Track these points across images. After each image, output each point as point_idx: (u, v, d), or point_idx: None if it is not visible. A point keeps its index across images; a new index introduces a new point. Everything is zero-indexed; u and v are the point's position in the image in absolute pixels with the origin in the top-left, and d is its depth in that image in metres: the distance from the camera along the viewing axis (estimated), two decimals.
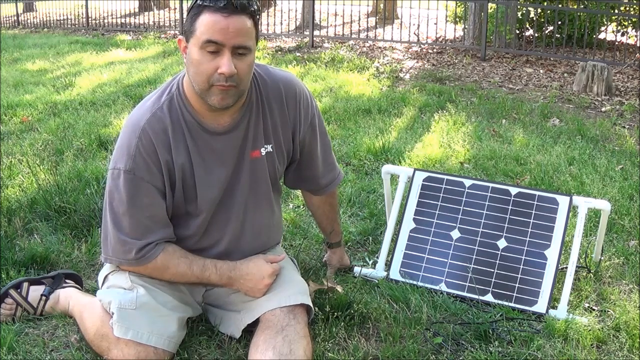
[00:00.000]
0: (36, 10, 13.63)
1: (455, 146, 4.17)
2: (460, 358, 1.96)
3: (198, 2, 1.71)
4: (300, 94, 2.00)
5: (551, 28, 7.91)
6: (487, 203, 2.45)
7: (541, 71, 7.02)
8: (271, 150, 1.97)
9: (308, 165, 2.14)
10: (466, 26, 8.25)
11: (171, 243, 1.90)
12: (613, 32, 8.12)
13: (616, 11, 7.72)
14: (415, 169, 2.58)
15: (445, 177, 2.54)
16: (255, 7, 1.75)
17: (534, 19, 8.07)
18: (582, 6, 7.93)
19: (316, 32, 8.86)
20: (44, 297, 2.11)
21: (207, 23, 1.68)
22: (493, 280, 2.31)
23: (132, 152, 1.79)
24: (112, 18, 11.59)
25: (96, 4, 11.56)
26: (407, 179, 2.58)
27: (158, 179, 1.82)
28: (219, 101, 1.75)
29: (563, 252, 2.38)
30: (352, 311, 2.11)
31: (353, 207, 3.13)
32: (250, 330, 1.88)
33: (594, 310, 2.25)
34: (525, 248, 2.34)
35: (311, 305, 1.93)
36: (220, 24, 1.68)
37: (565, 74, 6.86)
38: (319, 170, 2.17)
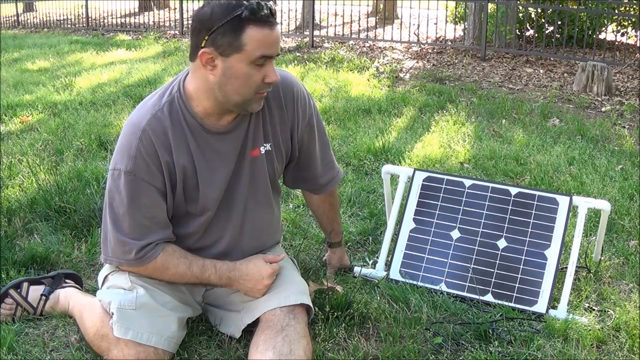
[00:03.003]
0: (36, 10, 13.63)
1: (455, 146, 4.17)
2: (460, 358, 1.96)
3: (238, 15, 1.66)
4: (298, 92, 2.00)
5: (551, 28, 7.90)
6: (487, 203, 2.45)
7: (541, 71, 7.02)
8: (270, 149, 1.97)
9: (307, 164, 2.14)
10: (466, 26, 8.25)
11: (171, 243, 1.90)
12: (613, 32, 8.12)
13: (616, 11, 7.72)
14: (415, 169, 2.58)
15: (445, 177, 2.54)
16: None
17: (534, 19, 8.07)
18: (582, 6, 7.93)
19: (316, 32, 8.86)
20: (43, 297, 2.11)
21: (259, 38, 1.69)
22: (493, 280, 2.31)
23: (132, 153, 1.79)
24: (112, 18, 11.58)
25: (96, 4, 11.55)
26: (407, 179, 2.58)
27: (158, 179, 1.82)
28: (259, 107, 1.83)
29: (563, 252, 2.38)
30: (352, 311, 2.11)
31: (353, 207, 3.13)
32: (250, 330, 1.88)
33: (594, 310, 2.25)
34: (525, 248, 2.34)
35: (311, 305, 1.93)
36: (271, 38, 1.71)
37: (565, 74, 6.87)
38: (317, 170, 2.17)
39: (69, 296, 2.10)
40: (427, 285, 2.35)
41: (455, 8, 9.04)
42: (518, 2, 8.05)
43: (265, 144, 1.96)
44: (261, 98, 1.82)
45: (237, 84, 1.75)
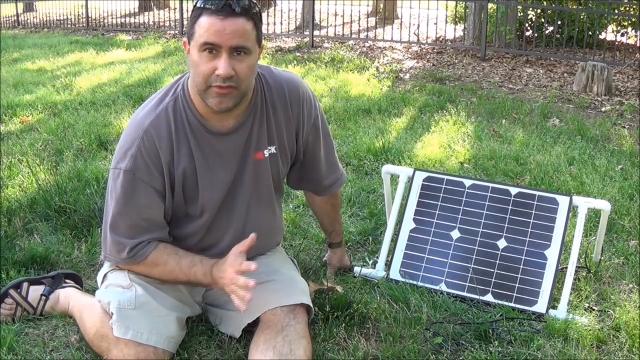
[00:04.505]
0: (36, 10, 13.63)
1: (455, 146, 4.17)
2: (460, 358, 1.96)
3: (198, 4, 1.72)
4: (303, 94, 2.00)
5: (551, 28, 7.90)
6: (487, 203, 2.45)
7: (541, 71, 7.02)
8: (275, 151, 1.97)
9: (311, 166, 2.14)
10: (466, 26, 8.25)
11: (164, 242, 1.89)
12: (613, 32, 8.11)
13: (616, 11, 7.72)
14: (415, 169, 2.58)
15: (445, 177, 2.54)
16: (256, 9, 1.75)
17: (534, 19, 8.07)
18: (582, 6, 7.92)
19: (316, 32, 8.86)
20: (43, 297, 2.11)
21: (204, 25, 1.69)
22: (493, 280, 2.31)
23: (133, 153, 1.79)
24: (112, 18, 11.58)
25: (96, 4, 11.55)
26: (407, 179, 2.58)
27: (158, 180, 1.82)
28: (217, 104, 1.75)
29: (563, 252, 2.38)
30: (352, 311, 2.11)
31: (353, 207, 3.13)
32: (250, 330, 1.88)
33: (594, 310, 2.25)
34: (525, 248, 2.34)
35: (311, 305, 1.93)
36: (216, 26, 1.68)
37: (565, 74, 6.86)
38: (322, 171, 2.17)
39: (69, 296, 2.10)
40: (427, 285, 2.35)
41: (455, 8, 9.04)
42: (518, 2, 8.05)
43: (269, 147, 1.95)
44: (218, 93, 1.73)
45: (192, 72, 1.77)
